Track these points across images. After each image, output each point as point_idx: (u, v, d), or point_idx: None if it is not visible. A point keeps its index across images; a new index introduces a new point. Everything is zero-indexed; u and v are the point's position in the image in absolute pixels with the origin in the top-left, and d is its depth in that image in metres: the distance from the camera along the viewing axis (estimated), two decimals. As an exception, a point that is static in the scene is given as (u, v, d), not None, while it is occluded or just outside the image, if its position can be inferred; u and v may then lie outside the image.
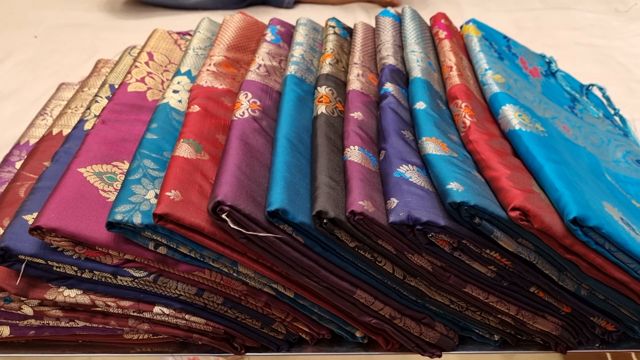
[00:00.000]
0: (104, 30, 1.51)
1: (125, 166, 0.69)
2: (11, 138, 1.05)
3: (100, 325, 0.66)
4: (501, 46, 0.99)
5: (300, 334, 0.70)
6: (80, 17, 1.57)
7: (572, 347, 0.71)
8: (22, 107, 1.18)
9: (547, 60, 1.06)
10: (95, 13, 1.59)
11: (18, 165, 0.84)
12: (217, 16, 1.55)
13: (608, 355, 0.86)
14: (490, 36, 0.99)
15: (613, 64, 1.39)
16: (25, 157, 0.82)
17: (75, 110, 0.88)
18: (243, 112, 0.72)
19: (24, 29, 1.50)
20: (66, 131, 0.83)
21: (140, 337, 0.69)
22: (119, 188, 0.65)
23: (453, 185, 0.59)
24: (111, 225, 0.58)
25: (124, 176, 0.67)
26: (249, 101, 0.74)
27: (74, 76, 1.26)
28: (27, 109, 1.16)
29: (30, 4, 1.63)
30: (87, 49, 1.41)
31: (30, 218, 0.63)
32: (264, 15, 1.58)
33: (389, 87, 0.77)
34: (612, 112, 1.06)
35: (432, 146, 0.66)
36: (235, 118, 0.70)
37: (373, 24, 1.48)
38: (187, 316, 0.65)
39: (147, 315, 0.65)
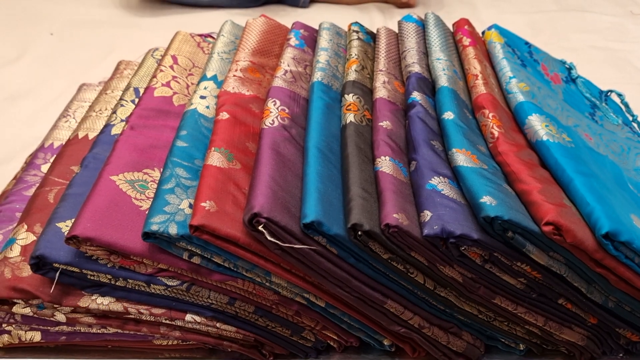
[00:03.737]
0: (120, 27, 1.50)
1: (156, 173, 0.70)
2: (31, 139, 1.05)
3: (132, 332, 0.67)
4: (523, 52, 0.99)
5: (329, 341, 0.70)
6: (96, 13, 1.57)
7: (596, 357, 0.71)
8: (41, 106, 1.18)
9: (567, 66, 1.06)
10: (111, 9, 1.59)
11: (44, 168, 0.84)
12: (234, 14, 1.56)
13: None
14: (512, 42, 0.99)
15: (628, 68, 1.39)
16: (51, 160, 0.83)
17: (100, 114, 0.88)
18: (273, 121, 0.72)
19: (39, 26, 1.49)
20: (92, 135, 0.83)
21: (170, 343, 0.69)
22: (150, 196, 0.66)
23: (486, 199, 0.59)
24: (147, 236, 0.59)
25: (155, 184, 0.68)
26: (277, 109, 0.74)
27: (92, 74, 1.26)
28: (45, 109, 1.16)
29: (45, 0, 1.62)
30: (104, 46, 1.41)
31: (63, 226, 0.64)
32: (280, 14, 1.59)
33: (416, 96, 0.77)
34: (631, 118, 1.06)
35: (462, 158, 0.66)
36: (265, 126, 0.71)
37: (389, 24, 1.48)
38: (218, 324, 0.66)
39: (178, 323, 0.65)
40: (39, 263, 0.61)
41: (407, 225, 0.58)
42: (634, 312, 0.66)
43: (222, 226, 0.58)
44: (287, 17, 1.57)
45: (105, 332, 0.67)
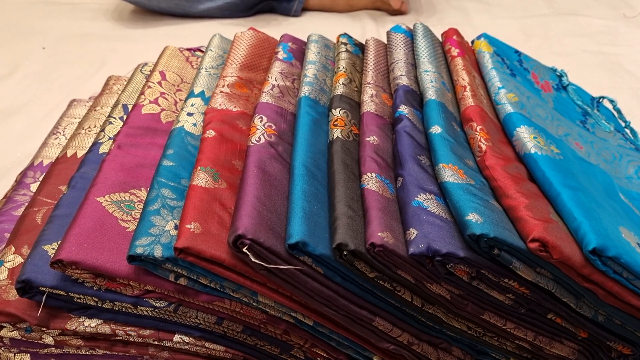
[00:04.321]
0: (112, 40, 1.50)
1: (143, 194, 0.69)
2: (23, 156, 1.06)
3: (121, 353, 0.66)
4: (513, 61, 0.99)
5: (318, 358, 0.70)
6: (88, 26, 1.57)
7: (588, 370, 0.71)
8: (33, 122, 1.18)
9: (558, 74, 1.06)
10: (102, 22, 1.59)
11: (33, 187, 0.84)
12: (225, 24, 1.55)
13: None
14: (502, 51, 0.99)
15: (621, 72, 1.39)
16: (40, 179, 0.83)
17: (89, 131, 0.88)
18: (259, 138, 0.72)
19: (32, 40, 1.49)
20: (80, 153, 0.83)
21: (159, 363, 0.69)
22: (137, 217, 0.66)
23: (472, 217, 0.59)
24: (132, 259, 0.59)
25: (141, 204, 0.67)
26: (264, 125, 0.74)
27: (84, 89, 1.27)
28: (37, 124, 1.16)
29: (37, 14, 1.62)
30: (96, 60, 1.41)
31: (49, 248, 0.64)
32: (272, 24, 1.59)
33: (403, 109, 0.77)
34: (623, 124, 1.06)
35: (449, 174, 0.66)
36: (251, 144, 0.71)
37: (381, 32, 1.48)
38: (206, 344, 0.66)
39: (167, 343, 0.65)
40: (25, 287, 0.61)
41: (393, 243, 0.58)
42: (625, 325, 0.66)
43: (207, 248, 0.58)
44: (279, 26, 1.57)
45: (94, 353, 0.67)
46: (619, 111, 1.07)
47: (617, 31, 1.56)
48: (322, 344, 0.68)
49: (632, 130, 1.05)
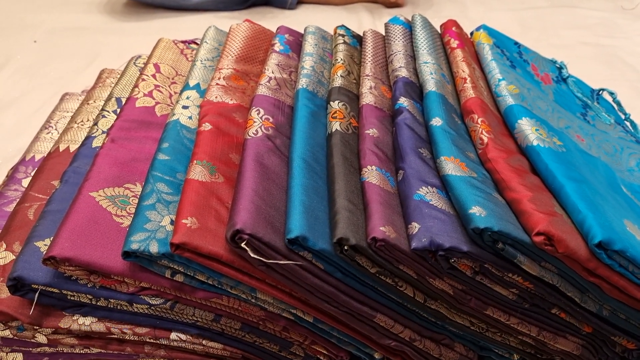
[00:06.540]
0: (104, 33, 1.48)
1: (138, 188, 0.68)
2: (14, 151, 1.04)
3: (116, 352, 0.65)
4: (512, 53, 0.98)
5: (319, 356, 0.69)
6: (80, 19, 1.54)
7: (591, 365, 0.70)
8: (24, 117, 1.16)
9: (557, 65, 1.05)
10: (95, 15, 1.57)
11: (25, 182, 0.82)
12: (220, 17, 1.54)
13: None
14: (501, 43, 0.98)
15: (619, 64, 1.38)
16: (32, 174, 0.81)
17: (82, 125, 0.86)
18: (256, 131, 0.70)
19: (23, 34, 1.47)
20: (73, 147, 0.82)
21: (156, 362, 0.68)
22: (132, 212, 0.64)
23: (475, 210, 0.57)
24: (127, 255, 0.57)
25: (136, 199, 0.66)
26: (261, 118, 0.73)
27: (76, 83, 1.25)
28: (28, 119, 1.14)
29: (28, 7, 1.60)
30: (88, 53, 1.38)
31: (42, 245, 0.62)
32: (267, 16, 1.57)
33: (403, 101, 0.76)
34: (623, 117, 1.05)
35: (451, 166, 0.65)
36: (248, 137, 0.69)
37: (377, 25, 1.47)
38: (204, 342, 0.64)
39: (163, 341, 0.64)
40: (17, 285, 0.59)
41: (395, 238, 0.57)
42: (629, 319, 0.65)
43: (204, 243, 0.56)
44: (274, 19, 1.55)
45: (89, 352, 0.66)
46: (618, 103, 1.06)
47: (614, 23, 1.55)
48: (322, 341, 0.66)
49: (632, 122, 1.04)
